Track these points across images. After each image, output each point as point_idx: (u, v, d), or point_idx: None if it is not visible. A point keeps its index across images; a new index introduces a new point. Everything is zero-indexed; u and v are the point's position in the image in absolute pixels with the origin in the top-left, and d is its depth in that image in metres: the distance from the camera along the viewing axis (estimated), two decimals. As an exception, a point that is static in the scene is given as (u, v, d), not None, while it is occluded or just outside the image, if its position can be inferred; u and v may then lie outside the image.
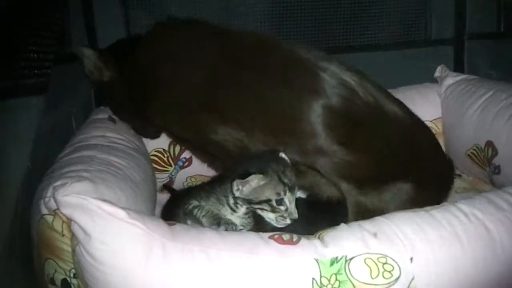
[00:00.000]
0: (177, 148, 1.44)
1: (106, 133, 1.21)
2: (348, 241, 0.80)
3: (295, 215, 0.92)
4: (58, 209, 0.79)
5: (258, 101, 1.08)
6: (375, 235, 0.80)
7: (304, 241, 0.82)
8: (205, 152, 1.22)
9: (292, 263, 0.78)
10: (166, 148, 1.44)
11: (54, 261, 0.85)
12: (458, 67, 1.76)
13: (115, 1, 1.56)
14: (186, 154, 1.45)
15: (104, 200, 0.78)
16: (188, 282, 0.76)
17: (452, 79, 1.57)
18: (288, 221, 0.92)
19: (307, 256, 0.78)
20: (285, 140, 1.07)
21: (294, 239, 0.82)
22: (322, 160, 1.07)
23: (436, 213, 0.85)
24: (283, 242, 0.81)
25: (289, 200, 0.92)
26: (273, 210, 0.92)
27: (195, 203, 0.97)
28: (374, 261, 0.77)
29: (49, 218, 0.84)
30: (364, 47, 1.72)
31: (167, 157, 1.44)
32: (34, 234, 0.88)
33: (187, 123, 1.14)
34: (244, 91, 1.09)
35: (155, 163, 1.41)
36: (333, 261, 0.78)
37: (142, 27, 1.58)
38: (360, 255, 0.78)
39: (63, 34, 1.22)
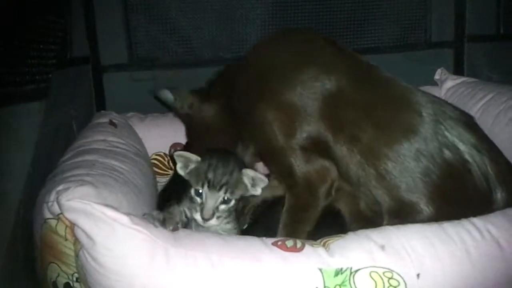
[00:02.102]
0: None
1: (108, 137, 1.21)
2: (354, 252, 0.79)
3: (207, 215, 0.89)
4: (61, 213, 0.79)
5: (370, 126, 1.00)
6: (382, 247, 0.79)
7: (308, 248, 0.81)
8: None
9: (296, 271, 0.78)
10: (167, 152, 1.45)
11: (57, 265, 0.85)
12: (458, 70, 1.76)
13: (116, 6, 1.56)
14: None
15: (107, 205, 0.78)
16: (192, 285, 0.77)
17: (452, 81, 1.57)
18: (198, 217, 0.90)
19: (311, 264, 0.78)
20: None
21: (298, 246, 0.82)
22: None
23: (449, 227, 0.82)
24: (286, 249, 0.81)
25: (207, 197, 0.90)
26: (191, 199, 0.92)
27: (173, 203, 0.95)
28: (379, 275, 0.76)
29: (53, 222, 0.84)
30: (364, 50, 1.71)
31: (168, 161, 1.45)
32: (37, 238, 0.88)
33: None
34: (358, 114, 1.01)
35: (155, 167, 1.41)
36: (338, 272, 0.77)
37: (142, 31, 1.58)
38: (365, 267, 0.77)
39: (64, 39, 1.23)
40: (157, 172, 1.41)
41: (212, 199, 0.91)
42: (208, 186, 0.91)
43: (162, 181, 1.43)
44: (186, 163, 0.96)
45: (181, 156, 0.95)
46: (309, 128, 1.00)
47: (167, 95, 1.26)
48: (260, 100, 1.06)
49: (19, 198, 0.82)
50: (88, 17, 1.52)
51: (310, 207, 1.02)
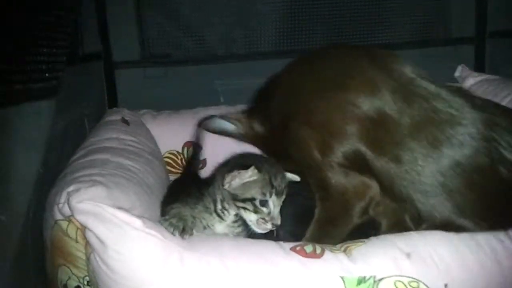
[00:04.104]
0: (191, 150, 1.41)
1: (120, 135, 1.18)
2: (378, 259, 0.76)
3: (277, 221, 0.88)
4: (72, 215, 0.76)
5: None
6: (408, 255, 0.75)
7: (328, 254, 0.78)
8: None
9: (316, 278, 0.74)
10: (180, 150, 1.41)
11: (68, 268, 0.83)
12: (479, 67, 1.70)
13: (128, 1, 1.53)
14: (200, 156, 1.41)
15: (119, 208, 0.75)
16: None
17: (473, 79, 1.52)
18: (269, 226, 0.87)
19: (332, 272, 0.74)
20: None
21: (318, 251, 0.78)
22: None
23: (478, 235, 0.79)
24: (305, 254, 0.77)
25: (273, 204, 0.88)
26: (256, 211, 0.88)
27: (177, 205, 0.90)
28: (404, 285, 0.73)
29: (64, 224, 0.81)
30: (381, 46, 1.65)
31: (181, 159, 1.41)
32: (47, 239, 0.86)
33: None
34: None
35: (168, 165, 1.38)
36: (361, 280, 0.73)
37: (155, 27, 1.55)
38: (390, 276, 0.73)
39: (75, 35, 1.20)
40: (170, 170, 1.37)
41: (279, 205, 0.90)
42: (276, 194, 0.89)
43: (175, 180, 1.40)
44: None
45: (240, 175, 0.89)
46: (346, 149, 0.95)
47: (224, 125, 1.19)
48: (295, 118, 1.02)
49: (29, 199, 0.79)
50: (99, 13, 1.49)
51: (341, 223, 0.97)
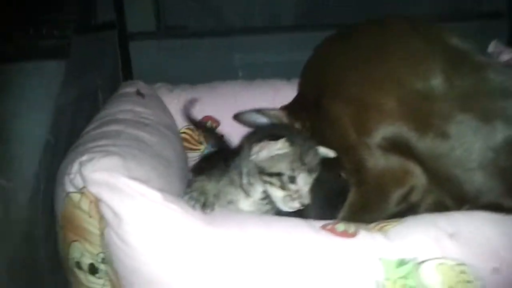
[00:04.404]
0: (209, 125, 1.34)
1: (135, 107, 1.12)
2: (418, 239, 0.69)
3: (306, 200, 0.81)
4: (85, 187, 0.71)
5: None
6: (451, 236, 0.69)
7: (363, 233, 0.71)
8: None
9: (350, 260, 0.68)
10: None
11: (81, 244, 0.77)
12: (513, 42, 1.61)
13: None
14: (219, 131, 1.35)
15: (136, 179, 0.69)
16: (228, 272, 0.68)
17: (508, 55, 1.42)
18: (297, 204, 0.81)
19: (369, 253, 0.68)
20: None
21: (351, 230, 0.72)
22: None
23: None
24: (337, 233, 0.71)
25: (303, 181, 0.81)
26: (283, 187, 0.81)
27: (202, 178, 0.84)
28: (449, 268, 0.66)
29: (76, 197, 0.75)
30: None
31: (198, 135, 1.35)
32: (58, 214, 0.80)
33: None
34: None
35: (185, 142, 1.31)
36: (400, 263, 0.67)
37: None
38: (433, 259, 0.67)
39: (88, 1, 1.13)
40: (186, 147, 1.31)
41: (308, 183, 0.83)
42: (306, 171, 0.81)
43: (193, 156, 1.34)
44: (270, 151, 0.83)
45: (269, 145, 0.81)
46: (386, 128, 0.87)
47: (259, 118, 1.09)
48: (328, 94, 0.94)
49: (37, 168, 0.73)
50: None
51: (376, 210, 0.89)
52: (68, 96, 0.98)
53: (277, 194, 0.82)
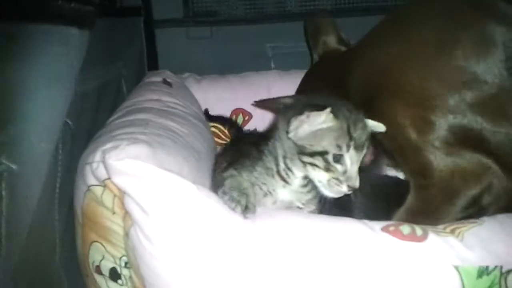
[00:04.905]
0: (240, 118, 1.26)
1: (162, 96, 1.03)
2: (503, 244, 0.59)
3: (356, 183, 0.68)
4: (109, 178, 0.61)
5: None
6: None
7: (434, 237, 0.60)
8: None
9: (420, 268, 0.58)
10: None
11: (102, 245, 0.68)
12: None
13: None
14: (250, 125, 1.26)
15: (168, 170, 0.59)
16: (274, 280, 0.57)
17: None
18: (345, 188, 0.68)
19: (443, 260, 0.58)
20: None
21: (418, 233, 0.61)
22: None
23: None
24: (403, 237, 0.60)
25: (351, 160, 0.68)
26: (327, 168, 0.68)
27: (233, 172, 0.73)
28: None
29: (98, 190, 0.66)
30: None
31: (229, 129, 1.25)
32: (78, 209, 0.71)
33: None
34: None
35: (215, 136, 1.22)
36: (482, 272, 0.57)
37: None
38: None
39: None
40: (215, 141, 1.21)
41: (358, 162, 0.70)
42: (355, 147, 0.69)
43: (223, 151, 1.25)
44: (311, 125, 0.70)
45: (309, 119, 0.69)
46: (455, 120, 0.76)
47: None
48: (382, 94, 0.83)
49: (54, 154, 0.64)
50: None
51: (437, 217, 0.77)
52: (90, 83, 0.90)
53: (320, 177, 0.69)
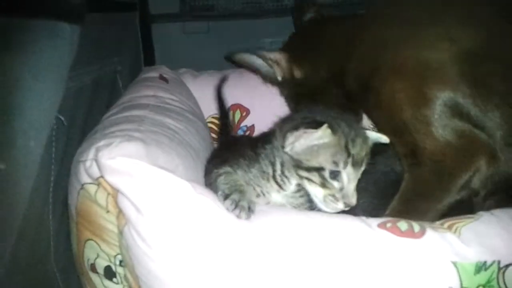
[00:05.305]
0: (237, 114, 1.24)
1: (158, 92, 1.02)
2: (499, 239, 0.58)
3: (352, 200, 0.67)
4: (102, 176, 0.60)
5: None
6: None
7: (431, 233, 0.60)
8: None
9: (418, 265, 0.57)
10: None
11: (96, 243, 0.67)
12: None
13: None
14: (248, 121, 1.25)
15: (161, 168, 0.58)
16: (270, 279, 0.56)
17: None
18: (340, 206, 0.67)
19: (440, 256, 0.57)
20: None
21: (416, 229, 0.60)
22: None
23: None
24: (401, 233, 0.60)
25: (348, 177, 0.67)
26: (323, 184, 0.67)
27: (227, 169, 0.72)
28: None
29: (91, 189, 0.65)
30: None
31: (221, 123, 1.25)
32: (72, 208, 0.70)
33: None
34: None
35: (212, 132, 1.21)
36: (480, 267, 0.56)
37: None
38: None
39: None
40: (213, 137, 1.21)
41: (355, 179, 0.68)
42: (352, 164, 0.67)
43: (220, 148, 1.24)
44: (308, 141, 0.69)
45: (306, 134, 0.68)
46: (448, 94, 0.75)
47: (259, 66, 1.04)
48: (378, 73, 0.82)
49: (46, 152, 0.63)
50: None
51: (433, 198, 0.76)
52: (84, 79, 0.88)
53: (316, 192, 0.68)
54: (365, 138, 0.71)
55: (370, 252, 0.59)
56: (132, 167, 0.57)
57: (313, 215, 0.67)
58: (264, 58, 1.02)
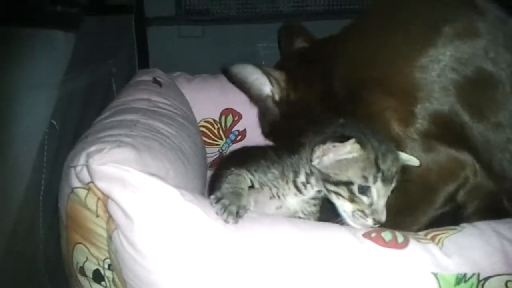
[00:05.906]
0: (230, 118, 1.25)
1: (152, 96, 1.03)
2: (480, 251, 0.59)
3: (382, 217, 0.66)
4: (92, 181, 0.61)
5: None
6: None
7: (414, 244, 0.61)
8: None
9: (399, 275, 0.58)
10: (217, 119, 1.26)
11: (86, 247, 0.68)
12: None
13: None
14: (240, 126, 1.26)
15: (152, 174, 0.59)
16: (255, 284, 0.57)
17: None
18: (370, 222, 0.66)
19: (422, 267, 0.58)
20: None
21: (400, 240, 0.61)
22: None
23: None
24: (384, 243, 0.61)
25: (378, 193, 0.67)
26: (352, 199, 0.67)
27: (240, 172, 0.72)
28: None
29: (82, 193, 0.66)
30: None
31: (218, 128, 1.26)
32: (62, 211, 0.71)
33: None
34: None
35: (204, 136, 1.23)
36: (460, 279, 0.57)
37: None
38: (499, 275, 0.58)
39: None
40: (205, 141, 1.22)
41: (385, 195, 0.68)
42: (382, 180, 0.67)
43: (211, 152, 1.25)
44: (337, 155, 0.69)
45: (334, 149, 0.68)
46: (435, 108, 0.76)
47: (257, 80, 1.01)
48: (366, 87, 0.83)
49: (38, 156, 0.64)
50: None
51: (419, 212, 0.78)
52: (78, 82, 0.89)
53: (345, 207, 0.68)
54: (397, 155, 0.70)
55: (355, 262, 0.59)
56: (122, 173, 0.57)
57: (301, 224, 0.67)
58: (265, 72, 1.00)
